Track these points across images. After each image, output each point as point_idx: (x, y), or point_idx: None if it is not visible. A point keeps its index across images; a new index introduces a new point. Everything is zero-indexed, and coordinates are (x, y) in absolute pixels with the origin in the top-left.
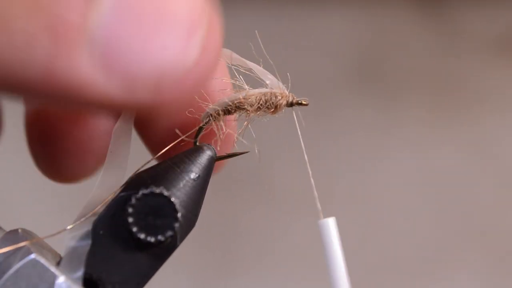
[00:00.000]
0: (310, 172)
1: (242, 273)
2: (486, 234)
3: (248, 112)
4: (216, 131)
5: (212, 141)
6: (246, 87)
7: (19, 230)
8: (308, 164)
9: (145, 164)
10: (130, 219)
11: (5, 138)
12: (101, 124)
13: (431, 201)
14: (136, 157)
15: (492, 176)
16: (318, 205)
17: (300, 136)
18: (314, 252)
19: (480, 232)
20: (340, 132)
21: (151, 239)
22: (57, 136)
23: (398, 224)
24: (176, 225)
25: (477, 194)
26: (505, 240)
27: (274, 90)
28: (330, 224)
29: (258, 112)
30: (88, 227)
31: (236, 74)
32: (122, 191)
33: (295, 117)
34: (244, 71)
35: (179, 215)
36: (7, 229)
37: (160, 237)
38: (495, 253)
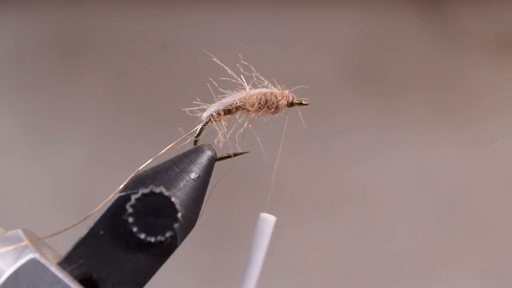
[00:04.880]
0: (275, 169)
1: (243, 273)
2: (487, 234)
3: (249, 112)
4: (218, 131)
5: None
6: (247, 87)
7: (20, 230)
8: (278, 159)
9: (145, 164)
10: (130, 219)
11: (6, 138)
12: None
13: (431, 200)
14: (136, 157)
15: (493, 176)
16: (269, 199)
17: (283, 135)
18: (314, 252)
19: (481, 232)
20: (339, 131)
21: (151, 239)
22: None
23: (398, 223)
24: (176, 225)
25: (478, 193)
26: (505, 240)
27: (274, 90)
28: (270, 222)
29: (259, 112)
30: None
31: (238, 74)
32: (122, 191)
33: (287, 118)
34: (248, 74)
35: (179, 215)
36: (8, 229)
37: (160, 237)
38: (496, 253)
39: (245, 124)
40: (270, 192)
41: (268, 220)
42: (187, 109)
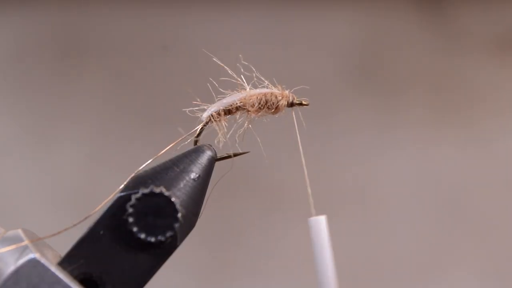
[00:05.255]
0: (306, 171)
1: (243, 274)
2: (487, 234)
3: (249, 112)
4: (218, 131)
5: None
6: (247, 87)
7: (20, 230)
8: (303, 160)
9: (145, 164)
10: (131, 219)
11: (6, 138)
12: None
13: (431, 200)
14: (136, 157)
15: (493, 176)
16: (311, 200)
17: (298, 136)
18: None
19: (481, 232)
20: (340, 132)
21: (151, 239)
22: None
23: (398, 223)
24: (176, 225)
25: (478, 193)
26: (505, 240)
27: (274, 90)
28: (321, 222)
29: (259, 113)
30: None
31: (238, 74)
32: (122, 191)
33: (294, 118)
34: (248, 74)
35: (179, 215)
36: (8, 229)
37: (160, 237)
38: (496, 253)
39: (245, 124)
40: (310, 196)
41: (319, 220)
42: (187, 109)
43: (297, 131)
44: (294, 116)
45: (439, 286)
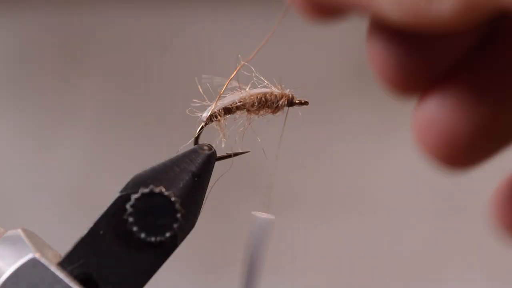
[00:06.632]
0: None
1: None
2: (488, 235)
3: (249, 111)
4: (219, 130)
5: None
6: (247, 87)
7: (20, 230)
8: (277, 157)
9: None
10: (130, 219)
11: (5, 138)
12: None
13: (432, 200)
14: (137, 158)
15: (493, 175)
16: (269, 199)
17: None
18: (314, 253)
19: (482, 233)
20: (339, 133)
21: (151, 239)
22: None
23: (398, 225)
24: (176, 225)
25: (477, 194)
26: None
27: (274, 90)
28: (268, 222)
29: (259, 112)
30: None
31: (238, 74)
32: (121, 191)
33: (291, 116)
34: (247, 73)
35: (179, 215)
36: (7, 229)
37: (160, 237)
38: (496, 254)
39: (245, 124)
40: (268, 191)
41: (266, 220)
42: (187, 110)
43: (282, 131)
44: (288, 110)
45: (439, 286)
